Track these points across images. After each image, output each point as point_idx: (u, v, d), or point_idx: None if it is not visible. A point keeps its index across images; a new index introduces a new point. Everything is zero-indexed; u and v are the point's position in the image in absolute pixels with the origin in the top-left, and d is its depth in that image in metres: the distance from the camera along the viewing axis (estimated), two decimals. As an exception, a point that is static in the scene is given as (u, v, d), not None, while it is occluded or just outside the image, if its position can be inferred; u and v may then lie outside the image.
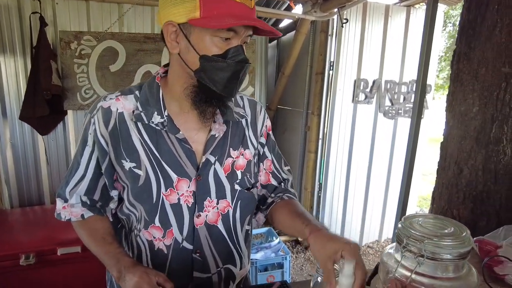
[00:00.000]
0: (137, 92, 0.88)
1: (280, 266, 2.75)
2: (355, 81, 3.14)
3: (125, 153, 0.85)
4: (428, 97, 3.42)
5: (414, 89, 3.29)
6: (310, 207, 3.44)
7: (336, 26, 3.05)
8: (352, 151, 3.27)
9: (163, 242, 0.88)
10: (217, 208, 0.90)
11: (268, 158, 1.02)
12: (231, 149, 0.91)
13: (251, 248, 2.83)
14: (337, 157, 3.24)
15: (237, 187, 0.92)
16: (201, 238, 0.89)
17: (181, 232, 0.88)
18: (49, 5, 2.62)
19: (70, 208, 0.90)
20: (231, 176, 0.91)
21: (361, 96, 3.18)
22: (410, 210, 3.74)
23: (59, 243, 2.03)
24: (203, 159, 0.87)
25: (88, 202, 0.90)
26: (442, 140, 1.85)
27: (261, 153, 1.01)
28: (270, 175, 1.02)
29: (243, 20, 0.75)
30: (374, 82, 3.18)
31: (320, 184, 3.34)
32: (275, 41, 4.34)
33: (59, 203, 0.92)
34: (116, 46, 2.67)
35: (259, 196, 1.03)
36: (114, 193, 0.92)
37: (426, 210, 4.18)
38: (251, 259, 2.63)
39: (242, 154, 0.93)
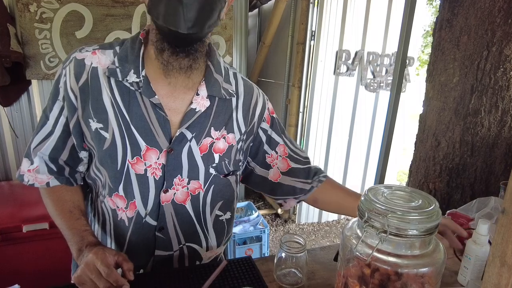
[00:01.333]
0: (117, 48, 0.78)
1: (259, 239, 2.74)
2: (337, 52, 3.04)
3: (93, 112, 0.76)
4: (411, 70, 3.37)
5: (396, 61, 3.23)
6: (290, 181, 3.42)
7: (318, -7, 2.91)
8: (332, 124, 3.23)
9: (126, 213, 0.81)
10: (187, 188, 0.82)
11: (280, 143, 0.93)
12: (212, 128, 0.82)
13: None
14: (317, 130, 3.19)
15: (212, 171, 0.84)
16: (166, 215, 0.82)
17: (144, 206, 0.80)
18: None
19: (36, 174, 0.82)
20: (207, 157, 0.82)
21: (343, 68, 3.09)
22: (388, 181, 3.77)
23: (25, 220, 1.93)
24: (178, 132, 0.77)
25: (55, 169, 0.82)
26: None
27: (265, 139, 0.92)
28: (288, 159, 0.94)
29: None
30: (356, 53, 3.10)
31: (300, 158, 3.30)
32: (257, 10, 4.16)
33: (25, 163, 0.82)
34: (82, 10, 2.46)
35: (287, 187, 0.96)
36: (83, 154, 0.84)
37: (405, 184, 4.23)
38: (229, 233, 2.62)
39: (224, 137, 0.84)
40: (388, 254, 0.52)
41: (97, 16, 2.49)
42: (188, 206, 0.84)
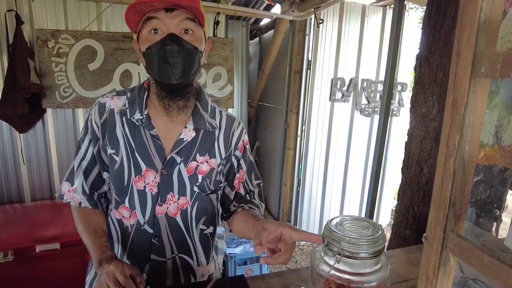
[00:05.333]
0: (128, 94, 1.02)
1: (259, 260, 2.83)
2: (332, 79, 3.22)
3: (109, 141, 0.98)
4: (404, 95, 3.53)
5: (389, 88, 3.40)
6: (289, 202, 3.54)
7: (314, 26, 3.12)
8: (329, 148, 3.37)
9: (129, 221, 1.01)
10: (178, 203, 1.00)
11: (243, 169, 1.10)
12: (197, 154, 1.00)
13: (231, 243, 2.89)
14: (315, 153, 3.33)
15: (196, 189, 1.01)
16: (160, 225, 1.00)
17: (143, 215, 0.99)
18: (25, 2, 2.61)
19: (73, 193, 1.02)
20: (193, 178, 1.00)
21: (338, 95, 3.27)
22: (387, 203, 3.87)
23: (38, 240, 2.07)
24: (169, 157, 0.97)
25: (88, 192, 1.02)
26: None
27: (236, 165, 1.09)
28: (241, 184, 1.10)
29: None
30: (351, 80, 3.27)
31: (299, 180, 3.44)
32: (257, 38, 4.39)
33: (66, 185, 1.03)
34: (95, 45, 2.68)
35: (224, 203, 1.11)
36: (105, 175, 1.04)
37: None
38: (230, 254, 2.72)
39: (207, 161, 1.02)
40: (345, 272, 0.65)
41: (108, 50, 2.70)
42: (179, 219, 1.02)
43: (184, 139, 0.98)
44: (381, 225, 0.68)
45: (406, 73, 3.52)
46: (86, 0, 2.72)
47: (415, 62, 1.87)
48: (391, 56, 2.04)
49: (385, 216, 3.86)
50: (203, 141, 1.01)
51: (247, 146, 1.12)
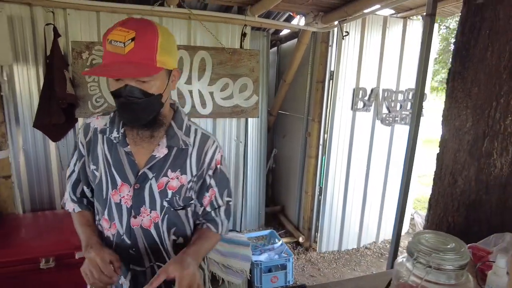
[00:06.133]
0: (112, 114, 1.11)
1: (284, 267, 2.88)
2: (354, 89, 3.28)
3: (91, 158, 1.10)
4: (424, 104, 3.58)
5: (410, 97, 3.46)
6: (310, 210, 3.59)
7: (337, 37, 3.19)
8: (351, 156, 3.42)
9: (110, 232, 1.09)
10: (150, 216, 1.08)
11: (213, 189, 1.14)
12: (169, 170, 1.06)
13: (255, 251, 2.94)
14: (337, 162, 3.39)
15: (165, 203, 1.08)
16: (137, 236, 1.08)
17: (121, 226, 1.08)
18: (61, 16, 2.70)
19: (67, 202, 1.17)
20: (163, 193, 1.07)
21: (360, 104, 3.32)
22: (407, 212, 3.91)
23: (76, 247, 2.13)
24: (141, 172, 1.05)
25: (75, 199, 1.15)
26: (438, 151, 2.00)
27: (207, 183, 1.13)
28: (209, 204, 1.15)
29: (103, 71, 0.92)
30: (372, 90, 3.33)
31: (320, 188, 3.49)
32: (276, 48, 4.47)
33: (66, 194, 1.18)
34: (126, 56, 2.76)
35: (194, 217, 1.17)
36: (86, 190, 1.16)
37: (421, 213, 4.35)
38: (255, 261, 2.78)
39: (178, 177, 1.07)
40: (432, 282, 0.71)
41: (139, 61, 2.78)
42: (153, 230, 1.09)
43: (156, 156, 1.05)
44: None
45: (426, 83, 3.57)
46: (118, 13, 2.81)
47: (447, 76, 1.93)
48: (422, 68, 2.10)
49: (404, 224, 3.88)
50: (176, 157, 1.07)
51: (220, 166, 1.15)
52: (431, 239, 0.75)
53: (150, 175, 1.05)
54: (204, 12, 2.97)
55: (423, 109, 3.54)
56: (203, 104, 2.97)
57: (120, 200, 1.06)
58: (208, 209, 1.14)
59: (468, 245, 1.43)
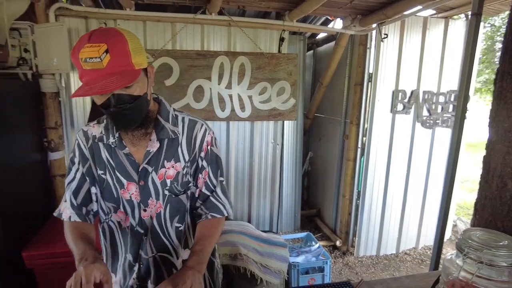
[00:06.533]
0: (105, 122, 1.16)
1: (321, 269, 2.88)
2: (393, 92, 3.24)
3: (97, 163, 1.16)
4: (467, 106, 3.45)
5: (452, 99, 3.35)
6: (348, 213, 3.56)
7: (375, 40, 3.16)
8: (390, 159, 3.36)
9: (126, 223, 1.18)
10: (156, 207, 1.16)
11: (206, 169, 1.20)
12: (165, 161, 1.14)
13: (292, 252, 2.97)
14: (376, 165, 3.34)
15: (166, 192, 1.16)
16: (148, 226, 1.17)
17: (134, 219, 1.17)
18: (111, 26, 2.91)
19: (65, 209, 1.16)
20: (163, 183, 1.15)
21: (399, 107, 3.27)
22: (449, 219, 3.77)
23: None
24: (140, 168, 1.12)
25: (76, 206, 1.15)
26: (484, 154, 1.93)
27: (200, 165, 1.19)
28: (204, 185, 1.20)
29: (84, 90, 0.90)
30: (412, 92, 3.26)
31: (358, 192, 3.45)
32: (312, 51, 4.49)
33: (63, 203, 1.18)
34: (171, 62, 2.92)
35: (191, 201, 1.23)
36: (93, 190, 1.18)
37: (464, 219, 4.16)
38: (293, 262, 2.80)
39: (173, 166, 1.15)
40: (483, 278, 0.72)
41: (183, 67, 2.93)
42: (154, 221, 1.17)
43: (150, 151, 1.12)
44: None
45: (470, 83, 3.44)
46: (162, 22, 2.97)
47: (495, 77, 1.87)
48: (467, 69, 2.05)
49: (446, 231, 3.74)
50: (168, 148, 1.14)
51: (210, 148, 1.20)
52: (482, 236, 0.77)
53: (150, 169, 1.13)
54: (244, 19, 3.07)
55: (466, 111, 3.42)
56: (242, 108, 3.06)
57: (130, 196, 1.14)
58: (205, 190, 1.20)
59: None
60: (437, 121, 3.36)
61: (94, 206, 1.20)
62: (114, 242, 1.23)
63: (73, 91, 2.92)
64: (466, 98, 2.11)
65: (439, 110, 3.36)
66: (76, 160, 1.17)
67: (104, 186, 1.15)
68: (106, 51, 0.89)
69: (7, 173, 2.31)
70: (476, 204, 2.00)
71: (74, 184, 1.16)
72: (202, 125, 1.20)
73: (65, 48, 2.67)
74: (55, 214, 1.18)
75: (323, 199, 4.23)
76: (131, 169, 1.13)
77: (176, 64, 2.93)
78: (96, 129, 1.16)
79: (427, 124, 3.36)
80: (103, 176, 1.15)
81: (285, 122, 3.70)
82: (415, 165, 3.43)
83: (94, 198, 1.19)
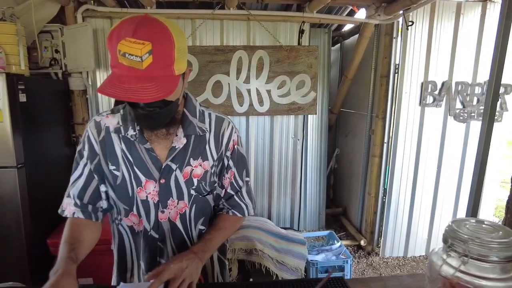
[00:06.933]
0: (121, 111, 1.05)
1: (341, 269, 2.77)
2: (422, 83, 3.04)
3: (109, 158, 1.04)
4: (508, 98, 3.16)
5: (490, 91, 3.08)
6: (373, 212, 3.40)
7: (402, 28, 2.99)
8: (419, 156, 3.16)
9: (139, 227, 1.08)
10: (177, 208, 1.07)
11: (232, 169, 1.14)
12: (191, 159, 1.05)
13: (312, 250, 2.90)
14: (403, 161, 3.16)
15: (192, 192, 1.07)
16: (165, 230, 1.08)
17: (148, 222, 1.07)
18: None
19: (69, 206, 1.05)
20: (189, 182, 1.06)
21: (429, 99, 3.06)
22: (484, 217, 3.48)
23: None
24: (164, 165, 1.03)
25: (79, 204, 1.04)
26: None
27: (226, 165, 1.12)
28: (230, 185, 1.14)
29: (114, 90, 0.80)
30: (443, 84, 3.05)
31: (385, 189, 3.29)
32: (339, 44, 4.35)
33: (65, 200, 1.06)
34: (190, 58, 2.95)
35: (215, 200, 1.17)
36: (103, 188, 1.07)
37: (506, 221, 3.82)
38: (311, 260, 2.72)
39: (201, 165, 1.07)
40: (470, 275, 0.63)
41: (202, 62, 2.95)
42: (178, 223, 1.08)
43: (176, 147, 1.02)
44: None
45: (510, 73, 3.15)
46: (182, 18, 3.01)
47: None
48: (498, 55, 1.86)
49: (484, 233, 3.46)
50: (195, 145, 1.06)
51: (237, 147, 1.14)
52: (472, 226, 0.67)
53: (174, 166, 1.04)
54: (262, 12, 3.04)
55: (505, 103, 3.14)
56: (261, 102, 3.03)
57: (147, 196, 1.04)
58: (230, 191, 1.15)
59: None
60: (472, 114, 3.11)
61: (104, 204, 1.09)
62: (122, 248, 1.14)
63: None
64: (497, 88, 1.91)
65: (475, 102, 3.11)
66: (85, 153, 1.05)
67: (117, 183, 1.05)
68: (150, 52, 0.78)
69: (39, 165, 2.47)
70: (508, 202, 1.82)
71: (81, 181, 1.05)
72: (229, 123, 1.14)
73: (90, 48, 2.79)
74: (59, 211, 1.07)
75: (349, 198, 4.08)
76: (152, 165, 1.03)
77: (195, 60, 2.95)
78: (110, 120, 1.05)
79: (461, 118, 3.12)
80: (115, 172, 1.04)
81: (309, 117, 3.61)
82: (446, 161, 3.19)
83: (104, 196, 1.08)
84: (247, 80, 2.99)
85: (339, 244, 2.98)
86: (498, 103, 3.14)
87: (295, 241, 2.78)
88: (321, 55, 3.64)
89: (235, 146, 1.14)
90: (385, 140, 3.22)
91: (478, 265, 0.62)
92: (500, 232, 0.65)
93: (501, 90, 3.13)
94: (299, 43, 3.06)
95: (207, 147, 1.08)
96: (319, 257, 2.84)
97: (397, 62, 3.08)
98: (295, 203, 3.45)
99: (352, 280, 1.09)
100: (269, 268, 2.51)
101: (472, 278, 0.63)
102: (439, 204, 3.28)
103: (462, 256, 0.62)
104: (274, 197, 3.40)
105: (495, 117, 3.24)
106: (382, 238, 3.30)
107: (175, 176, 1.05)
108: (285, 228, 3.10)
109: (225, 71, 2.96)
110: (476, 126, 3.13)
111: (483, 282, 0.62)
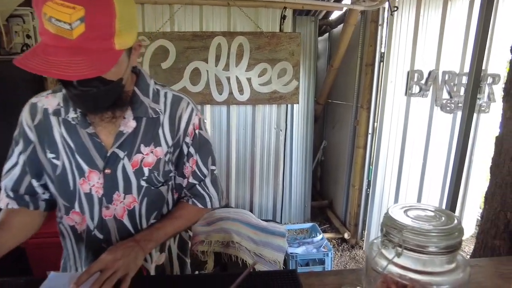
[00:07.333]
0: (64, 90, 0.89)
1: (322, 262, 2.71)
2: (408, 72, 2.94)
3: (47, 145, 0.92)
4: (496, 88, 3.08)
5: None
6: (357, 205, 3.33)
7: (388, 15, 2.88)
8: (404, 147, 3.08)
9: (81, 227, 0.96)
10: (124, 203, 0.94)
11: (194, 157, 1.01)
12: (142, 145, 0.93)
13: (293, 243, 2.82)
14: (388, 153, 3.08)
15: (143, 183, 0.94)
16: (110, 229, 0.95)
17: (92, 220, 0.94)
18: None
19: (2, 196, 0.96)
20: (138, 172, 0.93)
21: (415, 89, 2.97)
22: (471, 211, 3.42)
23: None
24: (109, 153, 0.90)
25: (12, 196, 0.94)
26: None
27: (186, 152, 1.00)
28: (192, 174, 1.02)
29: (37, 62, 0.67)
30: (430, 73, 2.95)
31: (369, 181, 3.21)
32: (327, 34, 4.25)
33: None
34: (167, 44, 2.83)
35: (177, 190, 1.06)
36: (35, 183, 0.96)
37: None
38: (291, 253, 2.65)
39: (152, 151, 0.94)
40: (408, 269, 0.54)
41: (179, 49, 2.84)
42: (126, 221, 0.95)
43: (124, 132, 0.90)
44: (457, 216, 0.56)
45: (499, 63, 3.07)
46: (161, 3, 2.89)
47: (511, 47, 1.60)
48: (478, 43, 1.76)
49: (468, 227, 3.40)
50: (147, 130, 0.93)
51: (198, 131, 1.01)
52: (414, 214, 0.58)
53: (121, 154, 0.91)
54: (243, -3, 2.92)
55: (493, 94, 3.06)
56: (241, 91, 2.92)
57: (90, 189, 0.92)
58: (192, 180, 1.03)
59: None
60: (459, 105, 3.02)
61: (46, 195, 0.98)
62: (66, 251, 1.03)
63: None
64: (477, 78, 1.81)
65: (462, 92, 3.02)
66: (21, 142, 0.94)
67: (57, 173, 0.92)
68: (82, 19, 0.65)
69: None
70: (486, 192, 1.74)
71: (16, 171, 0.94)
72: (189, 103, 1.00)
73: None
74: None
75: (335, 190, 4.00)
76: (95, 153, 0.90)
77: (172, 47, 2.84)
78: (50, 101, 0.92)
79: (448, 108, 3.03)
80: (54, 161, 0.91)
81: (294, 108, 3.52)
82: (432, 153, 3.11)
83: (40, 190, 0.97)
84: (226, 68, 2.88)
85: (321, 236, 2.91)
86: (486, 93, 3.07)
87: (274, 234, 2.70)
88: (307, 44, 3.54)
89: (196, 131, 1.00)
90: (370, 131, 3.13)
91: (414, 257, 0.54)
92: (443, 218, 0.56)
93: (489, 80, 3.05)
94: (281, 30, 2.95)
95: (160, 131, 0.95)
96: (300, 250, 2.77)
97: (382, 51, 2.98)
98: (278, 195, 3.36)
99: (307, 274, 1.00)
100: (246, 261, 2.44)
101: (407, 272, 0.54)
102: (425, 196, 3.20)
103: (397, 246, 0.53)
104: (256, 189, 3.31)
105: (483, 108, 3.18)
106: (366, 231, 3.24)
107: (123, 165, 0.92)
108: (266, 221, 3.02)
109: (204, 58, 2.85)
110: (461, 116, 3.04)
111: (419, 277, 0.53)
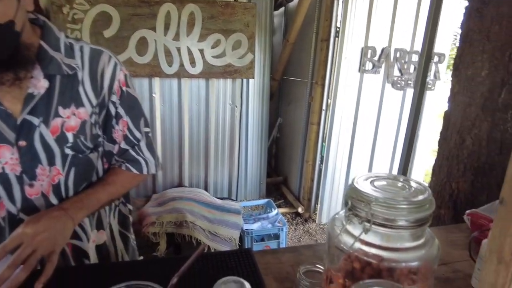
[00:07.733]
0: None
1: (277, 237, 2.72)
2: (362, 48, 2.96)
3: None
4: (442, 67, 3.21)
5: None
6: (311, 179, 3.37)
7: (344, -12, 2.84)
8: (356, 123, 3.14)
9: (1, 213, 0.81)
10: (49, 177, 0.81)
11: (124, 118, 0.91)
12: (60, 107, 0.80)
13: (249, 219, 2.77)
14: (341, 129, 3.12)
15: (68, 151, 0.82)
16: (40, 210, 0.82)
17: (13, 203, 0.80)
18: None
19: None
20: (61, 139, 0.81)
21: (368, 65, 3.00)
22: (416, 185, 3.62)
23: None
24: (19, 121, 0.76)
25: None
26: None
27: (114, 113, 0.89)
28: (124, 138, 0.92)
29: None
30: (382, 50, 2.99)
31: (322, 157, 3.25)
32: (283, 8, 4.14)
33: None
34: (110, 10, 2.56)
35: (107, 158, 0.95)
36: None
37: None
38: (247, 229, 2.62)
39: (75, 113, 0.81)
40: (374, 246, 0.49)
41: (124, 15, 2.58)
42: (52, 197, 0.83)
43: (34, 93, 0.76)
44: (427, 186, 0.51)
45: (444, 42, 3.19)
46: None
47: (462, 17, 1.61)
48: (431, 21, 1.78)
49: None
50: (63, 89, 0.80)
51: (126, 89, 0.90)
52: (381, 184, 0.53)
53: (36, 121, 0.77)
54: (194, -40, 2.70)
55: (438, 72, 3.19)
56: (192, 63, 2.75)
57: (3, 168, 0.77)
58: (125, 146, 0.92)
59: (468, 211, 1.18)
60: (409, 82, 3.12)
61: None
62: None
63: None
64: (428, 57, 1.84)
65: (412, 70, 3.11)
66: None
67: None
68: None
69: None
70: (434, 165, 1.80)
71: None
72: (110, 57, 0.87)
73: None
74: None
75: (289, 166, 4.02)
76: (2, 124, 0.75)
77: (116, 13, 2.57)
78: None
79: (398, 85, 3.12)
80: None
81: (249, 84, 3.41)
82: (383, 128, 3.21)
83: None
84: (176, 37, 2.68)
85: (275, 212, 2.91)
86: (432, 71, 3.19)
87: (230, 211, 2.65)
88: (262, 16, 3.40)
89: (123, 88, 0.89)
90: (323, 107, 3.14)
91: (382, 232, 0.48)
92: (412, 189, 0.51)
93: (435, 59, 3.17)
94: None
95: (80, 89, 0.82)
96: (255, 226, 2.75)
97: (338, 25, 2.95)
98: (234, 173, 3.30)
99: (262, 252, 0.95)
100: (200, 240, 2.36)
101: (374, 249, 0.48)
102: (375, 170, 3.32)
103: (364, 221, 0.47)
104: (211, 167, 3.21)
105: (429, 86, 3.30)
106: (318, 205, 3.30)
107: (40, 133, 0.78)
108: (222, 198, 2.95)
109: (151, 26, 2.63)
110: (412, 93, 3.14)
111: (387, 254, 0.48)
